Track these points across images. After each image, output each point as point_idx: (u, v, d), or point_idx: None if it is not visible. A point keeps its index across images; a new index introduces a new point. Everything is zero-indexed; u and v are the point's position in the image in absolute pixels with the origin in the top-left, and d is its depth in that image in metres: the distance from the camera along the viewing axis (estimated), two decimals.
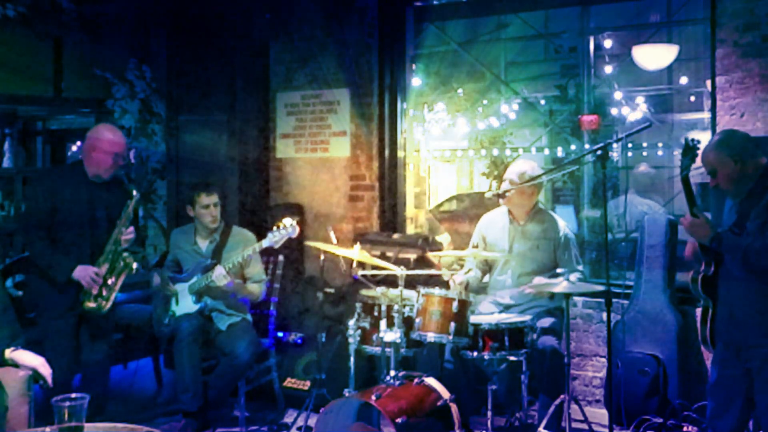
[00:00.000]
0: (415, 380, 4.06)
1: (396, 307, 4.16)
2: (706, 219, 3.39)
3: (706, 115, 7.51)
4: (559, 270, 4.22)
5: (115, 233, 4.14)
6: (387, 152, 6.06)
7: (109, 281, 4.12)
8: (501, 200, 4.62)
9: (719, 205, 3.71)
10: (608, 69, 7.68)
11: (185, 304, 4.65)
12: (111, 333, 4.47)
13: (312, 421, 4.23)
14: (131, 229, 4.17)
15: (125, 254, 4.16)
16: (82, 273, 4.05)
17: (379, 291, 4.35)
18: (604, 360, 5.08)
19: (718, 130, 4.58)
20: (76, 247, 4.13)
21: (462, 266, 4.81)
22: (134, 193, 4.17)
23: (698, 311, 3.59)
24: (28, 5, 5.88)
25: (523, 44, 9.18)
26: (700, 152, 3.48)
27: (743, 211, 3.36)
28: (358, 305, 4.38)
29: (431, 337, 4.07)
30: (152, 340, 5.50)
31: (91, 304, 4.11)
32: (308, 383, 5.00)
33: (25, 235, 4.29)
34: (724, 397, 3.44)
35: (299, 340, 5.23)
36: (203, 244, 4.79)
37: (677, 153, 8.57)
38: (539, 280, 4.35)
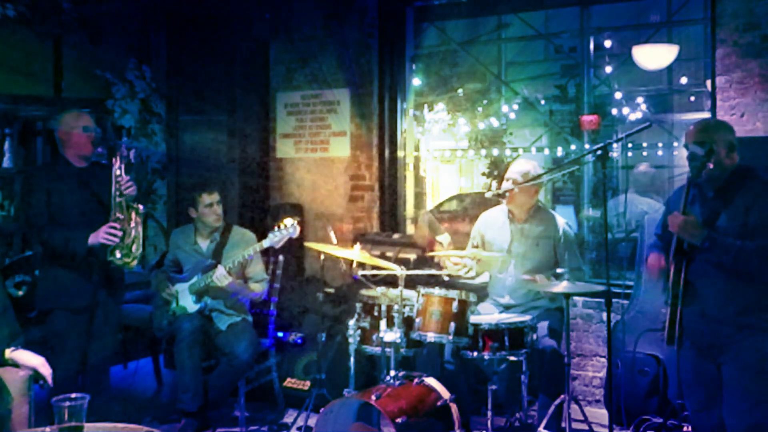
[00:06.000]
0: (415, 380, 4.06)
1: (396, 307, 4.16)
2: (696, 218, 3.33)
3: (706, 115, 7.51)
4: (559, 270, 4.21)
5: (112, 190, 4.11)
6: (387, 152, 6.06)
7: (127, 229, 4.11)
8: (502, 200, 4.61)
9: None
10: (608, 69, 7.69)
11: (185, 304, 4.66)
12: (119, 333, 4.46)
13: (312, 421, 4.23)
14: (128, 178, 4.14)
15: (128, 203, 4.15)
16: (96, 235, 4.04)
17: (379, 291, 4.35)
18: (604, 360, 5.08)
19: None
20: (84, 228, 4.12)
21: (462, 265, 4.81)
22: (116, 148, 4.17)
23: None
24: (28, 5, 5.88)
25: (523, 44, 9.20)
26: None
27: (712, 209, 3.32)
28: (358, 305, 4.38)
29: (431, 337, 4.07)
30: (152, 340, 5.51)
31: (119, 256, 4.09)
32: (308, 383, 5.00)
33: (32, 227, 4.29)
34: (704, 395, 3.43)
35: (299, 340, 5.23)
36: (204, 244, 4.79)
37: (677, 153, 8.60)
38: (542, 279, 4.34)
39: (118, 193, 4.12)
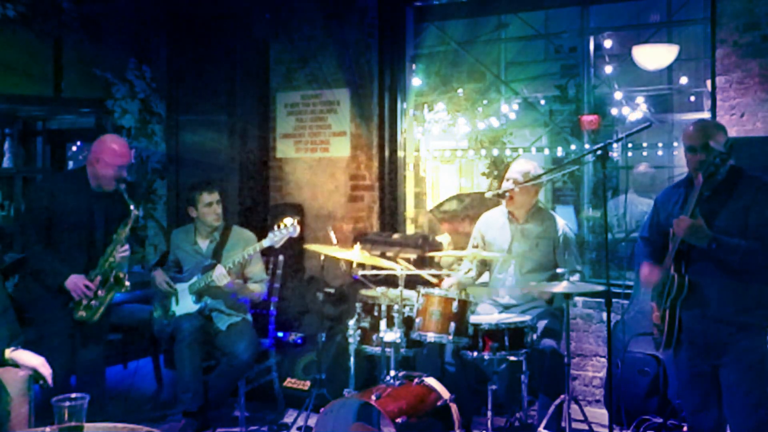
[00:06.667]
0: (415, 380, 4.06)
1: (396, 307, 4.16)
2: (702, 222, 3.30)
3: (706, 115, 7.50)
4: (558, 270, 4.22)
5: (110, 249, 4.14)
6: (387, 152, 6.06)
7: (100, 293, 4.12)
8: (502, 200, 4.61)
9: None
10: (608, 69, 7.67)
11: (185, 304, 4.66)
12: (105, 334, 4.47)
13: (312, 421, 4.23)
14: (126, 247, 4.15)
15: (119, 272, 4.14)
16: (73, 284, 4.05)
17: (379, 291, 4.35)
18: (604, 360, 5.08)
19: None
20: (71, 254, 4.13)
21: (460, 265, 4.81)
22: (133, 211, 4.12)
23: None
24: (28, 5, 5.88)
25: (523, 44, 9.17)
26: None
27: (709, 209, 3.32)
28: (358, 305, 4.38)
29: (431, 337, 4.07)
30: (152, 340, 5.51)
31: (81, 313, 4.12)
32: (308, 383, 5.00)
33: (22, 237, 4.30)
34: (700, 396, 3.44)
35: (299, 340, 5.23)
36: (204, 244, 4.79)
37: (677, 153, 8.60)
38: (539, 287, 4.34)
39: (110, 253, 4.13)
